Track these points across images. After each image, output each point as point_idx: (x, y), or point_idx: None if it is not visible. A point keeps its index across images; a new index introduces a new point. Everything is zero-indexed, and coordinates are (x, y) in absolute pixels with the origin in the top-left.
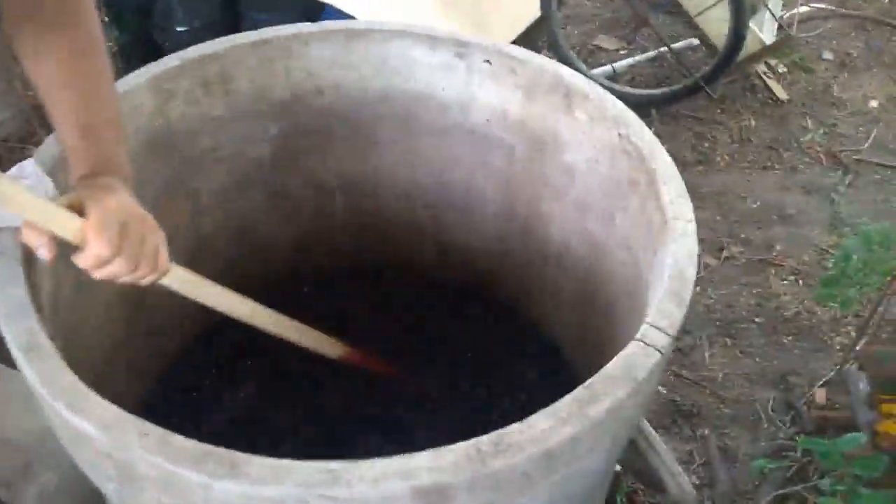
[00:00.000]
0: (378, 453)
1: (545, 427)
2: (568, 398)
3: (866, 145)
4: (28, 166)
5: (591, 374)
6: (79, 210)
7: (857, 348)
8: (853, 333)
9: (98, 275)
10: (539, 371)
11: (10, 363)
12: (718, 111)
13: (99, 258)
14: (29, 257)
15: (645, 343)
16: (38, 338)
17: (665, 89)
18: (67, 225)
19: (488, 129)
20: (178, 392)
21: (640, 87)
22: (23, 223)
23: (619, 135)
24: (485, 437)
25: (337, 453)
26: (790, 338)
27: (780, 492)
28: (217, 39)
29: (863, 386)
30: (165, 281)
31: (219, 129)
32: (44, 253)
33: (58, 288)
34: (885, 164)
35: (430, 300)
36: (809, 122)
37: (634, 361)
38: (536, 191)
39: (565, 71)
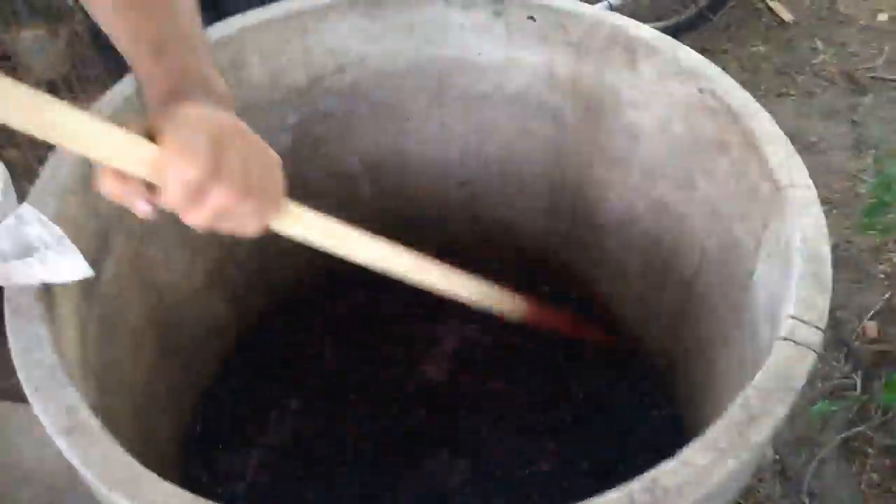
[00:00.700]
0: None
1: (704, 463)
2: (722, 424)
3: (880, 62)
4: (27, 212)
5: (661, 352)
6: (154, 138)
7: None
8: None
9: (198, 218)
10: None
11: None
12: (725, 40)
13: (190, 186)
14: (50, 310)
15: (795, 342)
16: (80, 415)
17: (667, 22)
18: (138, 153)
19: (531, 93)
20: (218, 419)
21: (640, 22)
22: (99, 172)
23: (700, 90)
24: (636, 485)
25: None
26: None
27: (845, 434)
28: (225, 21)
29: None
30: (288, 225)
31: None
32: (141, 208)
33: (83, 331)
34: None
35: None
36: (819, 42)
37: (790, 368)
38: (591, 157)
39: (627, 23)
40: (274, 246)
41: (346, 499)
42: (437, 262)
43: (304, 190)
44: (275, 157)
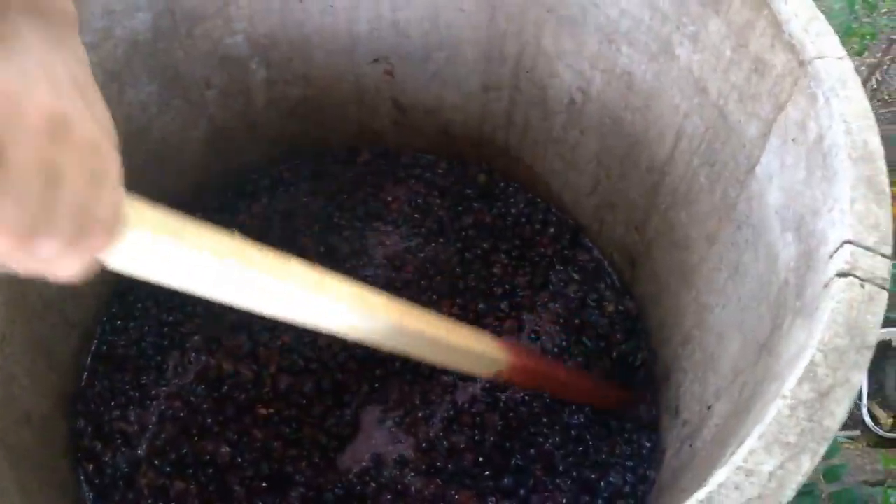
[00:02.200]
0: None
1: (772, 468)
2: (784, 404)
3: None
4: None
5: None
6: None
7: None
8: None
9: None
10: (558, 248)
11: None
12: None
13: None
14: None
15: (860, 279)
16: None
17: None
18: None
19: None
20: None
21: None
22: None
23: None
24: None
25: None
26: None
27: None
28: None
29: None
30: (132, 258)
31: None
32: None
33: None
34: None
35: (396, 180)
36: None
37: (860, 316)
38: (537, 20)
39: None
40: (144, 149)
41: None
42: (388, 299)
43: (179, 83)
44: (109, 155)
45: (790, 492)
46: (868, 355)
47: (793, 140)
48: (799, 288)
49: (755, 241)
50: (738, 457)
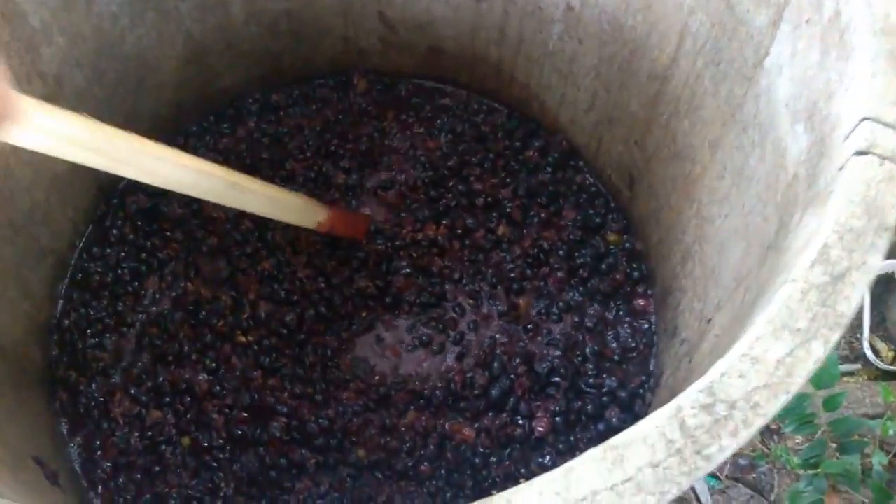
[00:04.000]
0: None
1: (780, 355)
2: (794, 289)
3: None
4: None
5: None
6: None
7: None
8: None
9: None
10: (554, 171)
11: None
12: None
13: None
14: None
15: (879, 156)
16: None
17: None
18: None
19: None
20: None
21: None
22: None
23: None
24: (684, 400)
25: None
26: None
27: None
28: None
29: None
30: (28, 135)
31: None
32: None
33: None
34: None
35: (385, 100)
36: None
37: (879, 195)
38: None
39: None
40: (114, 69)
41: None
42: (227, 171)
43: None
44: None
45: (799, 380)
46: (887, 238)
47: (806, 22)
48: (811, 178)
49: (762, 140)
50: (743, 343)
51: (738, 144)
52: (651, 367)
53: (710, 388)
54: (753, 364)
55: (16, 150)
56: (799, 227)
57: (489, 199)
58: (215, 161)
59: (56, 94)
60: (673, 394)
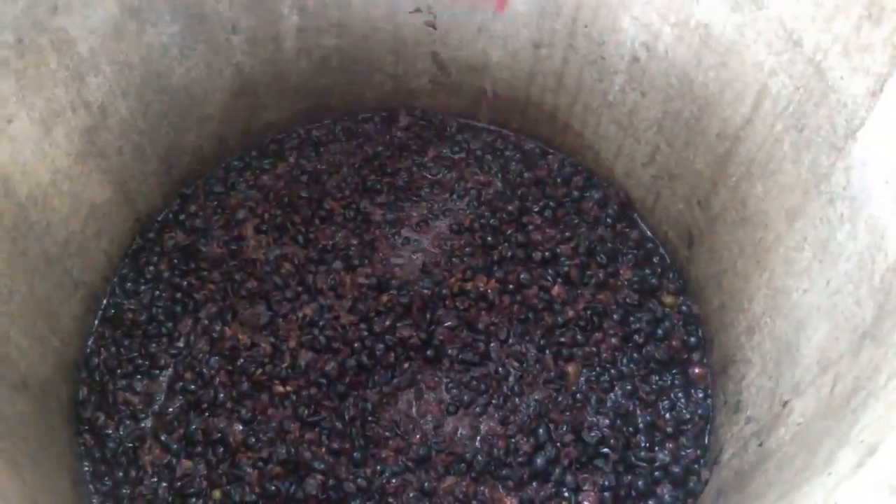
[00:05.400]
0: None
1: None
2: None
3: None
4: None
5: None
6: None
7: None
8: None
9: None
10: (613, 225)
11: None
12: None
13: None
14: None
15: None
16: None
17: None
18: None
19: None
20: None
21: None
22: None
23: None
24: None
25: None
26: None
27: None
28: None
29: None
30: None
31: None
32: None
33: None
34: None
35: (427, 135)
36: None
37: None
38: None
39: None
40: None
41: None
42: None
43: (204, 25)
44: None
45: None
46: None
47: None
48: None
49: (852, 215)
50: (873, 469)
51: (822, 216)
52: (706, 441)
53: None
54: (893, 495)
55: (55, 182)
56: None
57: (547, 253)
58: (254, 199)
59: (100, 124)
60: (740, 478)
